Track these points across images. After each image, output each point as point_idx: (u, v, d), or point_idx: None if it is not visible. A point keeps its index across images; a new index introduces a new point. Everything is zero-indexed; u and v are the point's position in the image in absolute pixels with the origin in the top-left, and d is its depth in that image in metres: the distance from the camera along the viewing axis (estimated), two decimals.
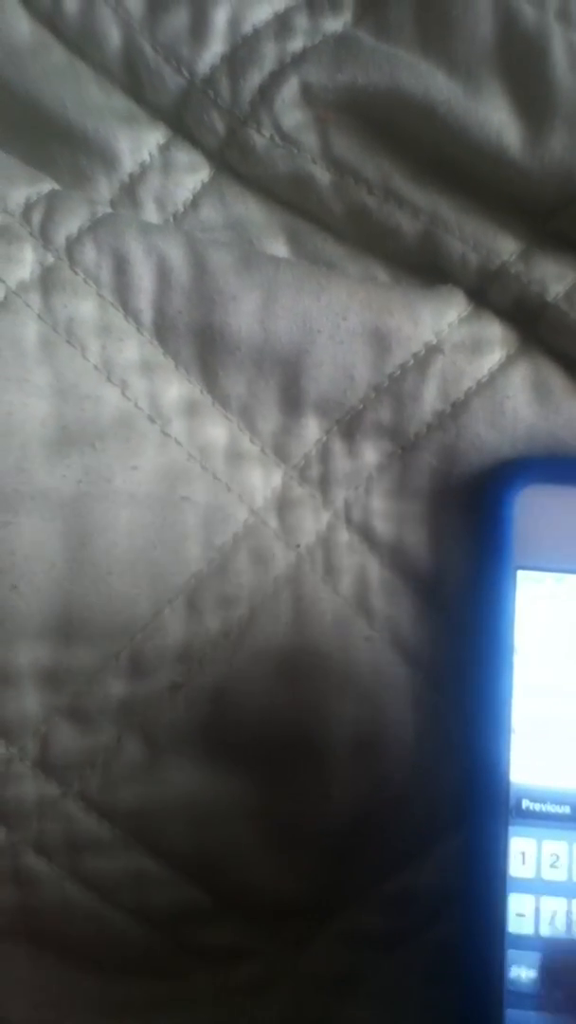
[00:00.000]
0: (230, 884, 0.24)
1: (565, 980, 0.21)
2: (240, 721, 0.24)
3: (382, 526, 0.25)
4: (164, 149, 0.26)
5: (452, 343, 0.24)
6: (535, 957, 0.21)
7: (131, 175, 0.26)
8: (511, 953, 0.21)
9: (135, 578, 0.24)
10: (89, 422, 0.24)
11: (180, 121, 0.26)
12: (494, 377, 0.24)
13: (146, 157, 0.26)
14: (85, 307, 0.24)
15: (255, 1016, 0.25)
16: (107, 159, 0.26)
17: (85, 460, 0.24)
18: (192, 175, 0.26)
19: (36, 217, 0.25)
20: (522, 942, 0.21)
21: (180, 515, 0.24)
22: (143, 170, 0.26)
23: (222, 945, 0.25)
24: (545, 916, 0.21)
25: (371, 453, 0.25)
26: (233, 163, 0.26)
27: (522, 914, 0.21)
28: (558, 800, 0.21)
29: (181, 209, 0.26)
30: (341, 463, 0.25)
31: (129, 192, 0.26)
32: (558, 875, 0.21)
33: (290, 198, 0.26)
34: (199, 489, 0.24)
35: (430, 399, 0.24)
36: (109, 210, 0.25)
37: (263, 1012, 0.25)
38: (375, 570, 0.24)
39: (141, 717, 0.24)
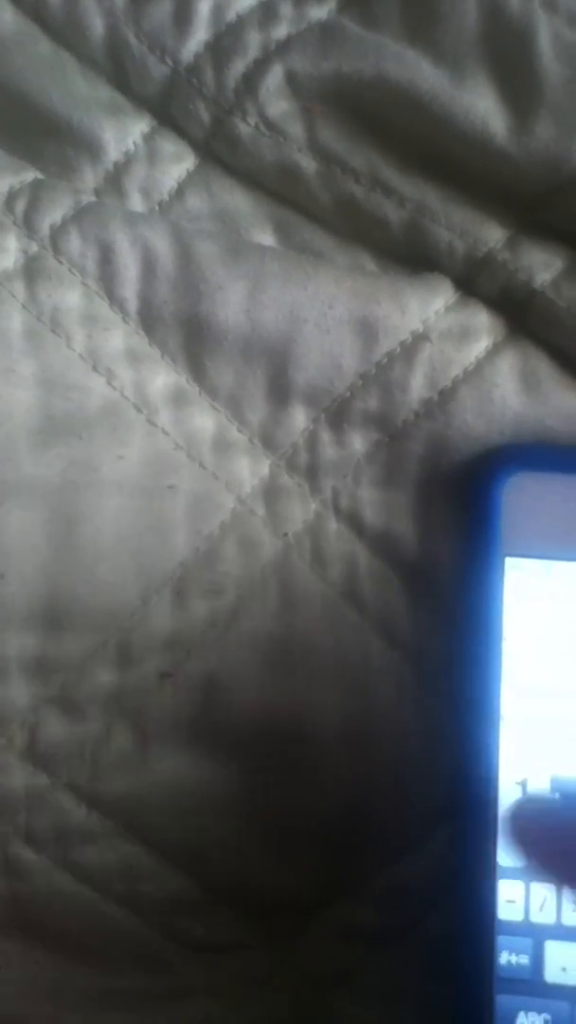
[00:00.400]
0: (221, 875, 0.24)
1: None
2: (229, 710, 0.24)
3: (370, 514, 0.24)
4: (149, 138, 0.26)
5: (439, 331, 0.24)
6: (525, 943, 0.21)
7: (116, 164, 0.26)
8: (501, 940, 0.21)
9: (122, 567, 0.24)
10: (75, 412, 0.24)
11: (165, 110, 0.26)
12: (481, 365, 0.24)
13: (131, 146, 0.26)
14: (70, 296, 0.24)
15: (249, 1009, 0.24)
16: (92, 149, 0.26)
17: (71, 450, 0.24)
18: (177, 164, 0.26)
19: (19, 206, 0.25)
20: (512, 928, 0.21)
21: (167, 504, 0.24)
22: (128, 159, 0.26)
23: (215, 937, 0.25)
24: (535, 903, 0.21)
25: (359, 442, 0.25)
26: (219, 152, 0.26)
27: (512, 901, 0.21)
28: (547, 788, 0.21)
29: (166, 198, 0.26)
30: (329, 452, 0.25)
31: (114, 181, 0.26)
32: None
33: (276, 188, 0.26)
34: (186, 478, 0.24)
35: (417, 387, 0.24)
36: (94, 199, 0.25)
37: (257, 1005, 0.24)
38: (363, 558, 0.24)
39: (130, 706, 0.24)
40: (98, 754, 0.24)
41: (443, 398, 0.24)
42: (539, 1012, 0.20)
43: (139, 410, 0.24)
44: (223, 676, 0.24)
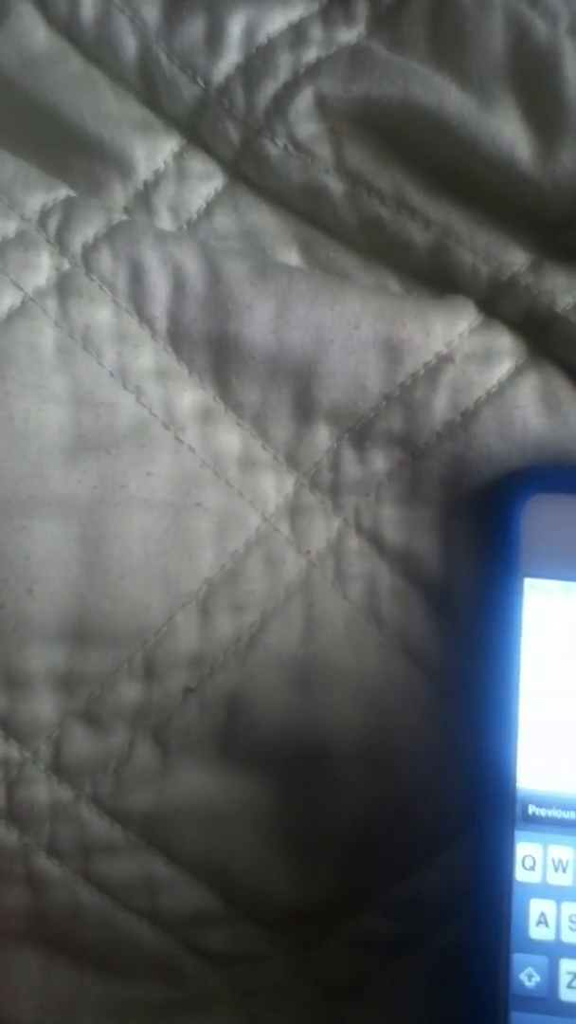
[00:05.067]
0: (241, 888, 0.24)
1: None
2: (252, 726, 0.24)
3: (392, 534, 0.25)
4: (179, 157, 0.26)
5: (463, 353, 0.24)
6: (540, 961, 0.21)
7: (146, 183, 0.26)
8: (516, 957, 0.21)
9: (148, 583, 0.24)
10: (104, 428, 0.24)
11: (195, 130, 0.26)
12: (503, 387, 0.24)
13: (161, 165, 0.26)
14: (101, 314, 0.25)
15: (265, 1020, 0.25)
16: (123, 167, 0.26)
17: (100, 466, 0.24)
18: (206, 183, 0.26)
19: (52, 224, 0.25)
20: (527, 946, 0.21)
21: (193, 521, 0.24)
22: (158, 178, 0.26)
23: (232, 949, 0.25)
24: (550, 920, 0.21)
25: (381, 461, 0.25)
26: (247, 172, 0.26)
27: (528, 918, 0.21)
28: (565, 806, 0.22)
29: (195, 217, 0.26)
30: (352, 471, 0.25)
31: (144, 200, 0.26)
32: (564, 880, 0.21)
33: (303, 208, 0.26)
34: (212, 496, 0.25)
35: (440, 408, 0.24)
36: (125, 217, 0.25)
37: (273, 1016, 0.25)
38: (385, 577, 0.25)
39: (154, 721, 0.24)
40: (122, 768, 0.24)
41: (465, 419, 0.24)
42: None
43: (167, 427, 0.25)
44: (246, 692, 0.24)
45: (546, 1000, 0.21)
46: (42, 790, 0.24)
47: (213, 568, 0.24)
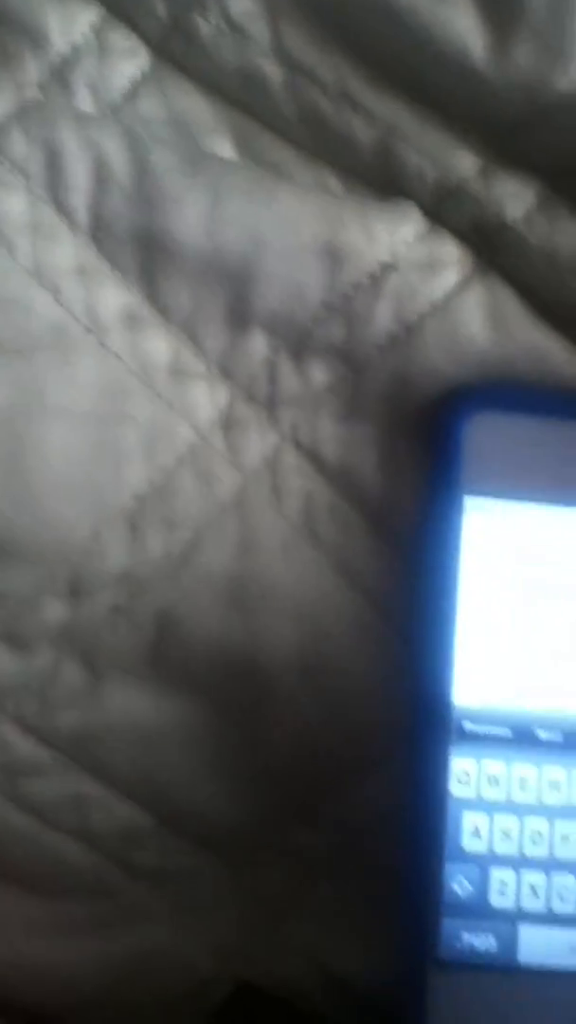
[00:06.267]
0: (172, 805, 0.24)
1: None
2: (184, 645, 0.24)
3: (330, 449, 0.24)
4: (98, 30, 0.24)
5: (407, 261, 0.23)
6: (472, 870, 0.22)
7: (62, 57, 0.24)
8: (449, 866, 0.21)
9: (72, 498, 0.23)
10: (19, 330, 0.23)
11: (117, 1, 0.24)
12: (448, 299, 0.23)
13: (78, 38, 0.24)
14: (13, 203, 0.23)
15: (200, 934, 0.25)
16: (34, 37, 0.23)
17: (15, 372, 0.22)
18: (129, 61, 0.24)
19: None
20: (460, 856, 0.22)
21: (120, 433, 0.23)
22: (75, 52, 0.24)
23: (164, 866, 0.25)
24: (483, 832, 0.22)
25: (321, 374, 0.24)
26: (175, 52, 0.24)
27: (461, 830, 0.22)
28: (499, 722, 0.22)
29: (117, 100, 0.24)
30: (289, 383, 0.24)
31: (59, 76, 0.24)
32: (497, 794, 0.22)
33: (237, 95, 0.24)
34: (140, 406, 0.23)
35: (383, 320, 0.23)
36: (39, 95, 0.23)
37: (208, 930, 0.25)
38: (323, 494, 0.24)
39: (80, 641, 0.24)
40: (47, 688, 0.24)
41: (408, 333, 0.23)
42: (482, 933, 0.21)
43: (89, 331, 0.23)
44: (178, 611, 0.23)
45: (477, 907, 0.21)
46: None
47: (142, 483, 0.23)
